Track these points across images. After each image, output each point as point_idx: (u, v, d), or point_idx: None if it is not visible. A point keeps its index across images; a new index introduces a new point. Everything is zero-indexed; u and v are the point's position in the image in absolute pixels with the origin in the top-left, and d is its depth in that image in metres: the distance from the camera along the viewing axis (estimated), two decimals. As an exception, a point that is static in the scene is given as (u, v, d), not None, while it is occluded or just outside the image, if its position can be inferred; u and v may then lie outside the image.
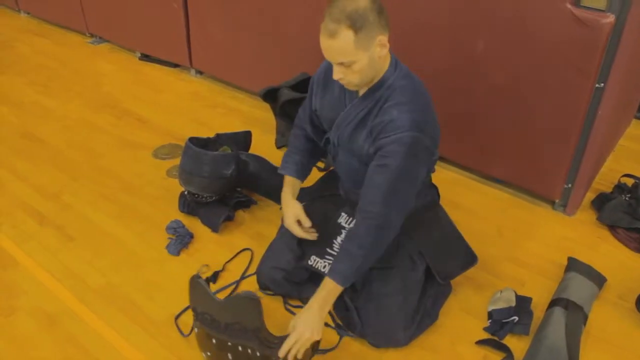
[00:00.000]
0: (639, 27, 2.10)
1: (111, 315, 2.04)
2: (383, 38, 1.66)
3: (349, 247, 1.77)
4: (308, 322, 1.68)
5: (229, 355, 1.72)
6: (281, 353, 1.64)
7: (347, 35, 1.59)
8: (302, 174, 2.11)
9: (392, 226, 1.77)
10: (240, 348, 1.69)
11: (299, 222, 2.01)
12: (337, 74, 1.69)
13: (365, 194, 1.76)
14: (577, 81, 2.23)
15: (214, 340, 1.74)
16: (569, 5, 2.12)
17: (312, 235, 2.02)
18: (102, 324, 2.01)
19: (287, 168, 2.10)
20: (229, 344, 1.71)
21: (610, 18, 2.07)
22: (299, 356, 1.66)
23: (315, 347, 1.74)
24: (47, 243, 2.38)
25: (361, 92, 1.82)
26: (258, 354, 1.68)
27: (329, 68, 1.86)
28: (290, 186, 2.07)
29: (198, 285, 1.74)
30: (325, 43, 1.63)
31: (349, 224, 2.07)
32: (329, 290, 1.75)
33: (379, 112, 1.76)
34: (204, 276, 2.14)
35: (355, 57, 1.63)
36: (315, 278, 2.03)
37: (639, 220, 2.43)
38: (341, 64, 1.65)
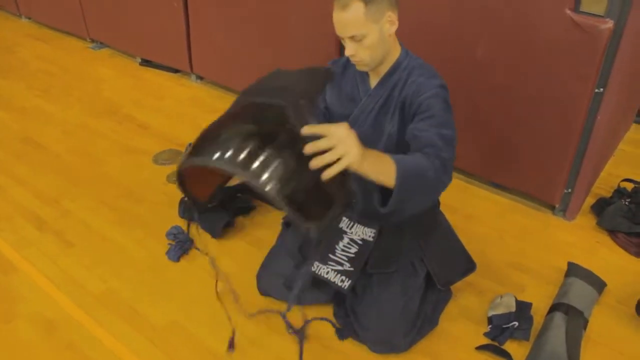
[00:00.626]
0: (638, 33, 2.11)
1: (111, 322, 2.04)
2: (392, 15, 1.72)
3: (416, 154, 1.59)
4: (349, 141, 1.31)
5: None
6: (308, 147, 1.29)
7: (358, 7, 1.65)
8: None
9: (450, 170, 1.64)
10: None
11: None
12: (350, 50, 1.73)
13: (418, 142, 1.64)
14: (576, 86, 2.23)
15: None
16: (568, 11, 2.12)
17: None
18: (102, 330, 2.01)
19: None
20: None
21: (609, 24, 2.07)
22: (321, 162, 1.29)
23: (343, 179, 1.35)
24: (47, 249, 2.39)
25: (374, 83, 1.86)
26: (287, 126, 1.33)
27: (338, 65, 1.92)
28: None
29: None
30: (337, 16, 1.69)
31: (350, 229, 2.07)
32: (381, 156, 1.49)
33: (404, 88, 1.80)
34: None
35: (366, 29, 1.68)
36: (317, 284, 2.04)
37: (639, 225, 2.43)
38: (353, 37, 1.70)
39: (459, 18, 2.44)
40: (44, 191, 2.76)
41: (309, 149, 1.28)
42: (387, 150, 1.74)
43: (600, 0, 2.06)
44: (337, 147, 1.28)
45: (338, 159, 1.28)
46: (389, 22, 1.73)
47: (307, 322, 2.00)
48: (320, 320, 2.03)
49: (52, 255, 2.35)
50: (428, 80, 1.76)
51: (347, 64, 1.91)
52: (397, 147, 1.84)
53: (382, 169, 1.47)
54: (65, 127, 3.38)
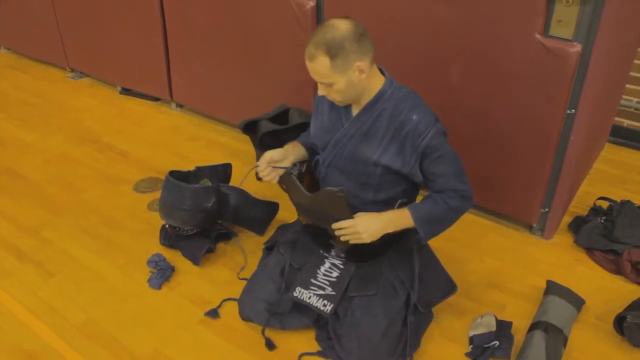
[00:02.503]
0: (605, 54, 2.17)
1: (92, 352, 2.03)
2: (361, 64, 1.77)
3: (434, 196, 1.93)
4: (369, 223, 1.87)
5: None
6: (335, 225, 1.90)
7: (323, 61, 1.74)
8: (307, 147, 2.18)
9: (470, 196, 1.94)
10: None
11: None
12: (321, 91, 1.86)
13: (437, 184, 1.91)
14: (548, 108, 2.29)
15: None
16: (537, 35, 2.18)
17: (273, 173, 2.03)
18: (83, 361, 2.00)
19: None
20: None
21: (577, 47, 2.13)
22: (342, 238, 1.91)
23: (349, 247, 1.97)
24: (27, 280, 2.37)
25: (355, 111, 1.93)
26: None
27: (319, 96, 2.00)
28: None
29: (290, 180, 1.99)
30: (307, 63, 1.79)
31: (330, 254, 2.09)
32: (400, 215, 1.91)
33: (393, 120, 1.87)
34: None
35: (332, 79, 1.77)
36: (299, 309, 2.04)
37: (615, 242, 2.47)
38: (322, 83, 1.82)
39: (432, 44, 2.49)
40: (23, 221, 2.75)
41: (335, 226, 1.90)
42: (369, 175, 1.92)
43: (568, 24, 2.12)
44: (353, 235, 1.88)
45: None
46: (358, 71, 1.78)
47: None
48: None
49: (32, 285, 2.34)
50: (421, 117, 1.84)
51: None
52: (382, 175, 1.93)
53: (400, 226, 1.93)
54: (45, 157, 3.38)
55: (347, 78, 1.78)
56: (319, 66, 1.75)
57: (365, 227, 1.86)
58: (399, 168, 1.89)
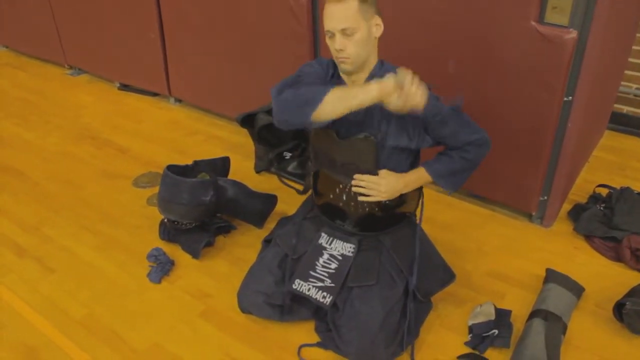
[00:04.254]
0: (601, 41, 2.16)
1: (93, 346, 2.04)
2: (379, 19, 1.82)
3: (449, 153, 1.96)
4: (390, 181, 1.92)
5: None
6: (355, 181, 1.95)
7: (352, 2, 1.75)
8: None
9: (487, 141, 1.97)
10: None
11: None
12: (339, 44, 1.79)
13: (450, 144, 1.95)
14: (545, 95, 2.28)
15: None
16: (533, 23, 2.18)
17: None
18: (85, 355, 2.00)
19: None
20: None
21: (573, 33, 2.12)
22: (360, 190, 1.95)
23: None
24: (28, 276, 2.38)
25: (348, 67, 1.88)
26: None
27: (322, 66, 1.99)
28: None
29: (325, 133, 1.95)
30: (332, 8, 1.78)
31: (329, 245, 2.09)
32: (419, 176, 1.97)
33: None
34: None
35: (358, 24, 1.77)
36: (298, 300, 2.05)
37: (614, 229, 2.47)
38: (343, 31, 1.77)
39: (427, 33, 2.49)
40: (23, 218, 2.76)
41: (355, 181, 1.94)
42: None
43: (563, 11, 2.11)
44: (373, 191, 1.93)
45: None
46: (376, 26, 1.82)
47: None
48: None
49: (33, 281, 2.35)
50: None
51: (328, 69, 1.96)
52: (389, 155, 1.93)
53: (424, 181, 1.99)
54: (44, 154, 3.38)
55: (368, 27, 1.79)
56: (347, 7, 1.74)
57: (387, 188, 1.92)
58: (407, 144, 1.90)
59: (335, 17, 1.78)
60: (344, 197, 2.03)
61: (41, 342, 2.06)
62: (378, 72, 1.88)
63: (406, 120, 1.85)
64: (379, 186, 1.91)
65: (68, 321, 2.15)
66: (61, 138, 3.58)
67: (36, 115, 3.90)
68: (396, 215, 2.08)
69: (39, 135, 3.62)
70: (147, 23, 3.69)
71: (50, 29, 4.50)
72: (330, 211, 2.11)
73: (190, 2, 3.38)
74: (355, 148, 1.92)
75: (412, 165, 2.01)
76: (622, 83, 3.36)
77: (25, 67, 4.86)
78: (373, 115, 1.88)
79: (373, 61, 1.90)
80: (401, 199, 2.01)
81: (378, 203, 2.01)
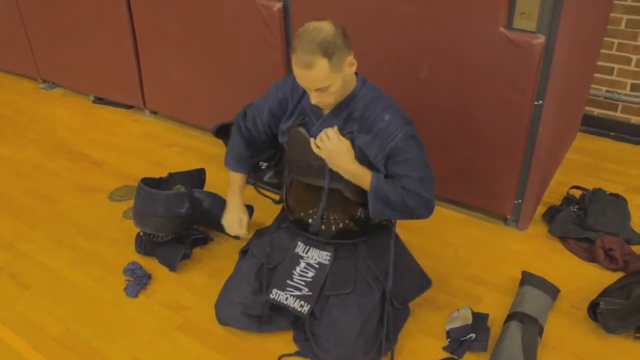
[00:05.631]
0: (569, 45, 2.20)
1: (70, 363, 2.02)
2: (351, 57, 1.79)
3: (397, 185, 1.87)
4: (341, 146, 1.85)
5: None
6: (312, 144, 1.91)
7: (322, 63, 1.71)
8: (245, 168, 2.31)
9: (431, 206, 1.93)
10: None
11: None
12: (315, 99, 1.80)
13: (401, 183, 1.88)
14: (516, 100, 2.31)
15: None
16: (502, 29, 2.20)
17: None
18: (61, 373, 1.98)
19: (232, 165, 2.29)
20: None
21: (541, 39, 2.15)
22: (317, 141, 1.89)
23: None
24: (2, 294, 2.34)
25: (327, 110, 1.91)
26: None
27: (282, 99, 2.01)
28: (236, 185, 2.29)
29: (300, 135, 1.97)
30: (301, 73, 1.74)
31: (306, 253, 2.09)
32: (364, 174, 1.88)
33: (364, 118, 1.87)
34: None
35: (331, 80, 1.74)
36: (276, 310, 2.05)
37: (588, 230, 2.51)
38: (318, 89, 1.76)
39: (398, 41, 2.50)
40: (-2, 235, 2.73)
41: (313, 143, 1.90)
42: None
43: (530, 16, 2.15)
44: (320, 142, 1.87)
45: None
46: (349, 65, 1.79)
47: None
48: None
49: (8, 299, 2.31)
50: (393, 117, 1.84)
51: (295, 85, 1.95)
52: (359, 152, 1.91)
53: (359, 182, 1.91)
54: (19, 169, 3.34)
55: (342, 75, 1.77)
56: (318, 71, 1.71)
57: (333, 148, 1.85)
58: (372, 158, 1.88)
59: (306, 80, 1.77)
60: (316, 218, 2.06)
61: (17, 360, 2.03)
62: (359, 92, 1.88)
63: (376, 141, 1.86)
64: (329, 141, 1.85)
65: (45, 338, 2.12)
66: (36, 152, 3.55)
67: (11, 130, 3.86)
68: (373, 225, 2.09)
69: (13, 150, 3.58)
70: (120, 35, 3.66)
71: (22, 43, 4.45)
72: (302, 226, 2.13)
73: (164, 14, 3.37)
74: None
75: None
76: (592, 86, 3.41)
77: (-2, 82, 4.81)
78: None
79: (352, 85, 1.88)
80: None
81: (352, 217, 2.03)
